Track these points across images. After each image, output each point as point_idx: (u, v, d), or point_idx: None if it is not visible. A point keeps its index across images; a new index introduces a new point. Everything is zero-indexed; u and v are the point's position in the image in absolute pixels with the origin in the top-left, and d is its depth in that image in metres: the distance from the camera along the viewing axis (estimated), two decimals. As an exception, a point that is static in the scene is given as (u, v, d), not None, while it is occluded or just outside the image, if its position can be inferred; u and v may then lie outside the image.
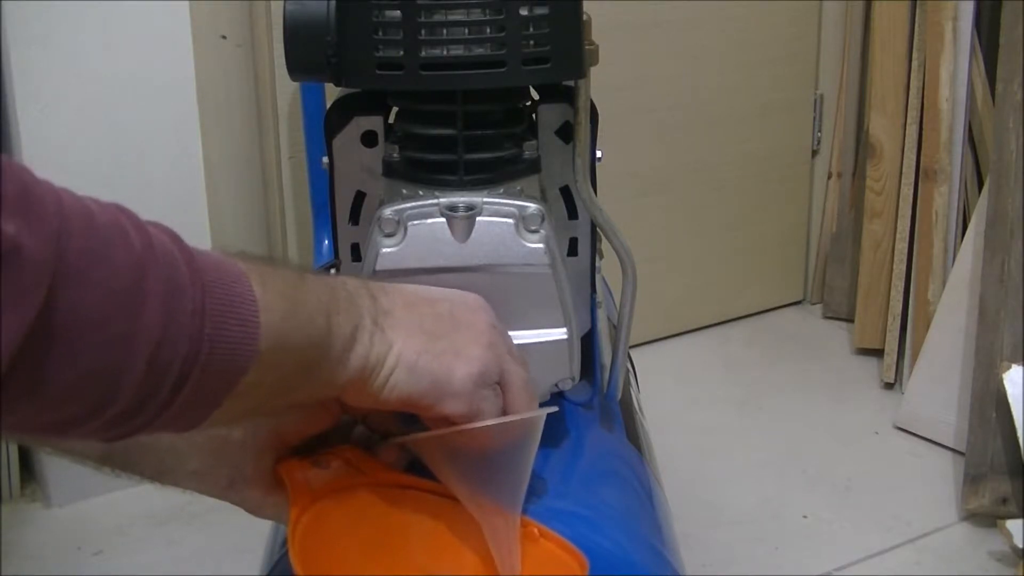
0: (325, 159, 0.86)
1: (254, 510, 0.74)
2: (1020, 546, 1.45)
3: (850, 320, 2.09)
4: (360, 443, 0.77)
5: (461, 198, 0.79)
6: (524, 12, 0.77)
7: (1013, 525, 1.47)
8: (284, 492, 0.72)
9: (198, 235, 1.66)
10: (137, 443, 0.69)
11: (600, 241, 0.91)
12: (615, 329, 0.91)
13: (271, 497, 0.72)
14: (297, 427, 0.73)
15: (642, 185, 2.00)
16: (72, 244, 0.48)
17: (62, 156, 1.54)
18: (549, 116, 0.85)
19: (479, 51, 0.78)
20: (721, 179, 2.08)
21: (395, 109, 0.86)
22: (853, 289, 2.07)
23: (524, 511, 0.73)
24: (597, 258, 0.92)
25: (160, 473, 0.71)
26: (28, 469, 1.67)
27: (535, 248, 0.79)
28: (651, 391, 1.26)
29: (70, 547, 1.56)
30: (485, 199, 0.79)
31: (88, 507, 1.61)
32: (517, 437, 0.71)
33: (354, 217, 0.86)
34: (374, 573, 0.69)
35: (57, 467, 1.60)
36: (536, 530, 0.72)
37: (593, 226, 0.88)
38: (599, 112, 0.85)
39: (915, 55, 1.89)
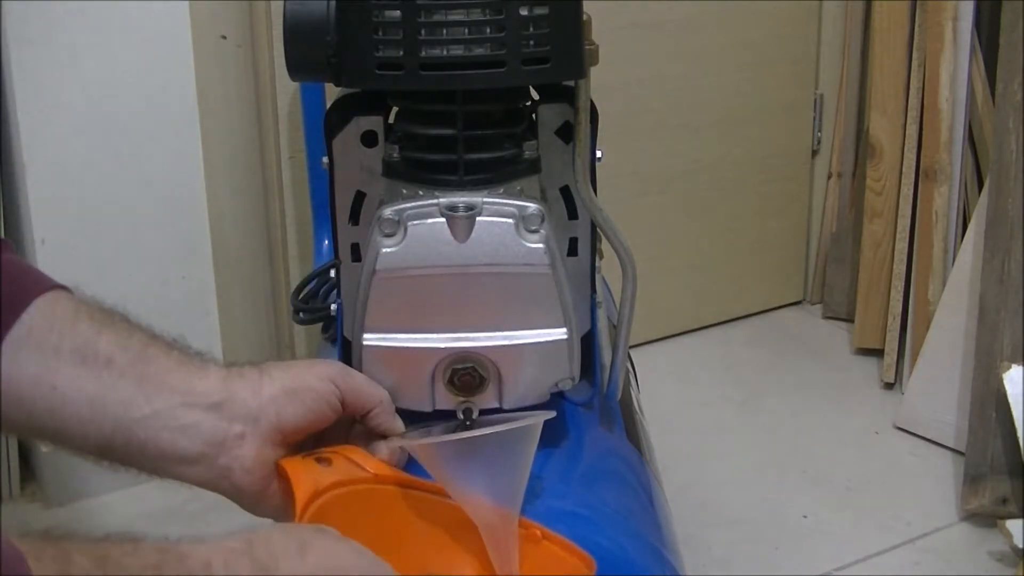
0: (325, 159, 0.86)
1: (251, 507, 0.74)
2: (1020, 546, 1.44)
3: (850, 320, 2.09)
4: (359, 442, 0.77)
5: (461, 198, 0.79)
6: (524, 12, 0.77)
7: (1013, 525, 1.47)
8: (282, 488, 0.72)
9: (198, 235, 1.66)
10: (136, 436, 0.70)
11: (600, 241, 0.91)
12: (615, 329, 0.91)
13: (268, 491, 0.72)
14: (298, 421, 0.73)
15: (642, 185, 2.00)
16: None
17: (62, 156, 1.54)
18: (549, 116, 0.85)
19: (479, 51, 0.78)
20: (721, 179, 2.08)
21: (395, 109, 0.86)
22: (853, 289, 2.07)
23: (524, 512, 0.73)
24: (597, 258, 0.92)
25: (158, 467, 0.71)
26: (28, 469, 1.67)
27: (535, 248, 0.79)
28: (651, 391, 1.26)
29: (70, 547, 1.56)
30: (485, 199, 0.79)
31: (88, 507, 1.61)
32: (514, 445, 0.71)
33: (354, 217, 0.86)
34: None
35: (57, 467, 1.60)
36: (539, 532, 0.72)
37: (593, 226, 0.88)
38: (599, 112, 0.85)
39: (915, 55, 1.89)
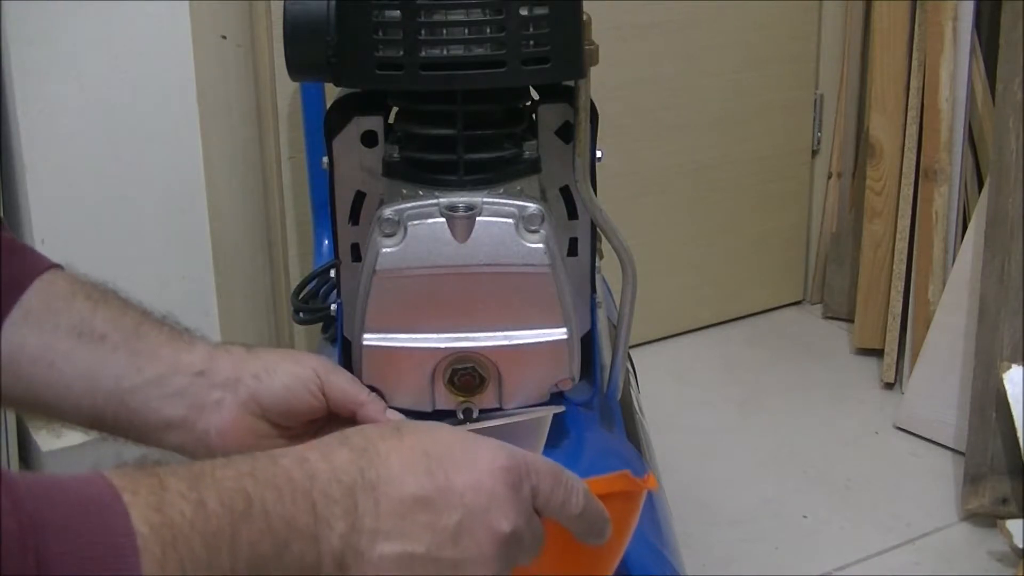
0: (325, 159, 0.86)
1: None
2: (1020, 546, 1.44)
3: (850, 320, 2.09)
4: None
5: (461, 198, 0.79)
6: (524, 12, 0.77)
7: (1013, 525, 1.47)
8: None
9: (198, 235, 1.66)
10: (126, 405, 0.72)
11: (600, 241, 0.91)
12: (615, 329, 0.91)
13: None
14: (275, 398, 0.74)
15: (642, 185, 2.00)
16: None
17: (62, 156, 1.54)
18: (549, 116, 0.85)
19: (479, 51, 0.78)
20: (721, 179, 2.08)
21: (395, 109, 0.86)
22: (853, 289, 2.07)
23: None
24: (597, 258, 0.92)
25: (144, 435, 0.73)
26: (28, 469, 1.67)
27: (535, 248, 0.79)
28: (651, 391, 1.26)
29: (70, 547, 1.56)
30: (485, 199, 0.79)
31: (88, 507, 1.61)
32: (523, 438, 0.71)
33: (354, 217, 0.86)
34: None
35: (57, 467, 1.60)
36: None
37: (593, 226, 0.88)
38: (599, 112, 0.85)
39: (915, 55, 1.89)
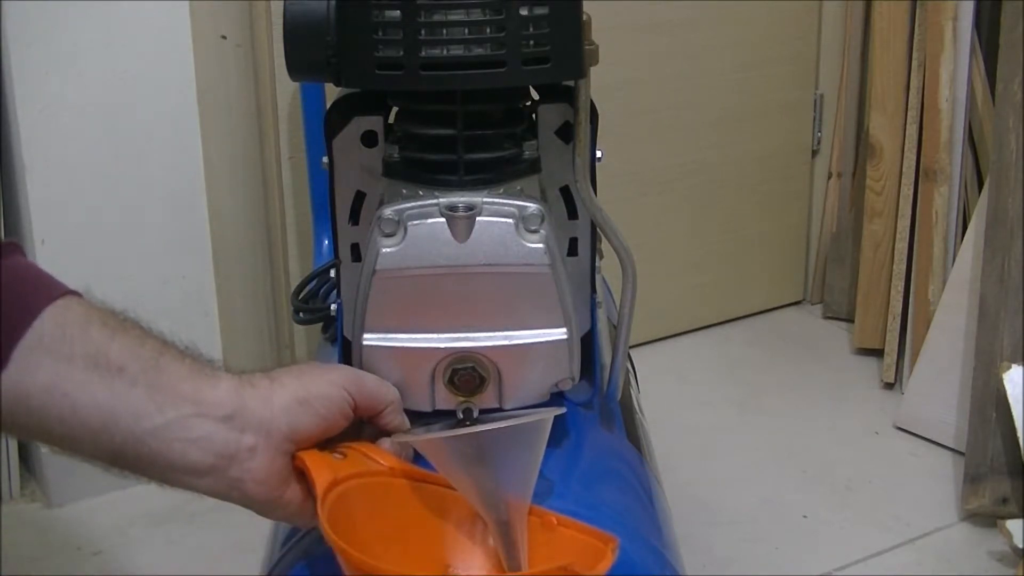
0: (325, 159, 0.86)
1: (264, 513, 0.74)
2: (1020, 546, 1.45)
3: (850, 320, 2.09)
4: (370, 440, 0.78)
5: (461, 198, 0.79)
6: (524, 12, 0.77)
7: (1013, 525, 1.47)
8: (296, 492, 0.72)
9: (198, 235, 1.66)
10: (147, 446, 0.69)
11: (600, 241, 0.91)
12: (615, 329, 0.91)
13: (283, 499, 0.72)
14: (310, 431, 0.73)
15: (642, 185, 2.00)
16: None
17: (62, 156, 1.54)
18: (549, 116, 0.85)
19: (479, 51, 0.78)
20: (721, 179, 2.08)
21: (395, 109, 0.86)
22: (853, 289, 2.07)
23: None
24: (597, 258, 0.92)
25: (168, 477, 0.71)
26: (28, 469, 1.67)
27: (535, 248, 0.79)
28: (651, 391, 1.26)
29: (70, 547, 1.56)
30: (485, 199, 0.79)
31: (88, 507, 1.61)
32: (523, 441, 0.71)
33: (354, 217, 0.86)
34: (392, 562, 0.70)
35: (57, 467, 1.60)
36: (554, 519, 0.73)
37: (593, 226, 0.88)
38: (599, 112, 0.85)
39: (915, 55, 1.89)
